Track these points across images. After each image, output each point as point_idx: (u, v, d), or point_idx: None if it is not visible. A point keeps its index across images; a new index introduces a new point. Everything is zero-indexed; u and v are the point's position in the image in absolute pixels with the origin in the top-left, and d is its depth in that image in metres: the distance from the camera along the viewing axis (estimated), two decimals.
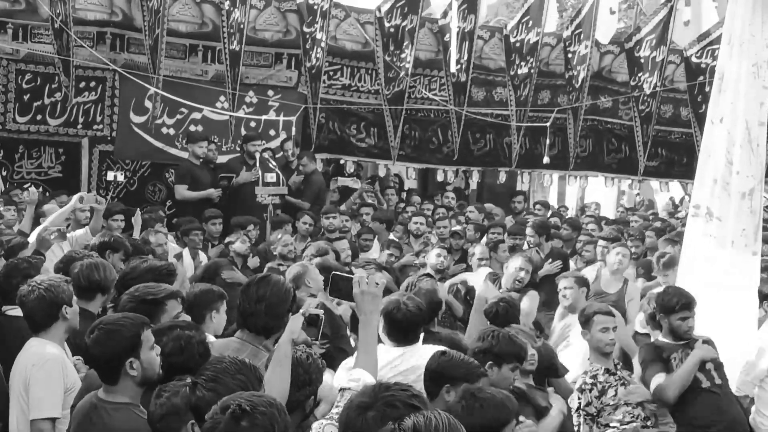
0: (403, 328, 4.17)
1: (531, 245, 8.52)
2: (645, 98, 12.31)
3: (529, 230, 8.65)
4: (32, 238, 6.48)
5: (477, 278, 7.35)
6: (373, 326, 3.38)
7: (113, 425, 3.16)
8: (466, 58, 11.11)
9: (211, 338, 4.41)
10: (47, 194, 8.78)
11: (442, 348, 3.93)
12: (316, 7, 10.16)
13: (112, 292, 4.67)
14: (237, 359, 3.02)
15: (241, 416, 2.46)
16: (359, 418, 2.56)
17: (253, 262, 7.72)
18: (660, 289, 5.81)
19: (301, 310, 3.48)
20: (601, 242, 8.38)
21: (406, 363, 4.08)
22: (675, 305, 5.18)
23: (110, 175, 9.33)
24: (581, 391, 4.89)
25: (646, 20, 12.40)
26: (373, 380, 3.09)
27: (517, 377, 4.22)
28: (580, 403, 4.85)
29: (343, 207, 10.22)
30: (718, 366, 5.13)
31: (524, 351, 4.25)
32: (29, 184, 9.29)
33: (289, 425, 2.56)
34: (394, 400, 2.55)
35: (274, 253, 7.85)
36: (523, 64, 11.60)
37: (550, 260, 8.15)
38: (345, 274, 3.58)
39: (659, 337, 5.36)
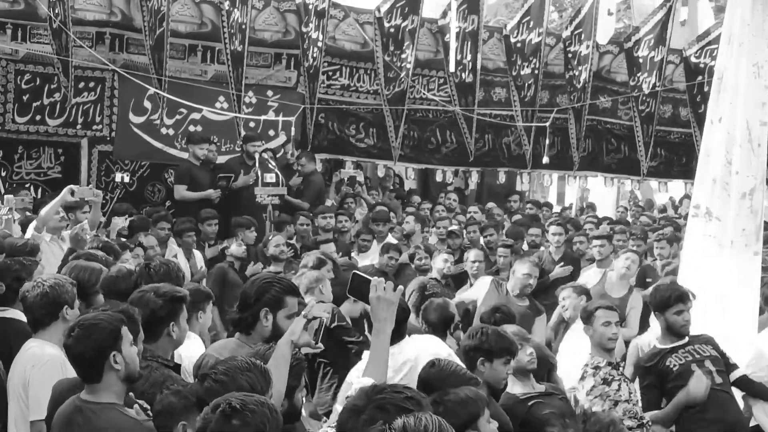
0: None
1: (555, 244, 8.63)
2: (645, 98, 12.31)
3: (556, 228, 8.71)
4: (27, 235, 6.46)
5: (480, 290, 7.26)
6: (387, 334, 3.33)
7: (100, 426, 3.10)
8: (469, 58, 11.11)
9: (196, 338, 4.42)
10: (47, 194, 8.76)
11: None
12: (311, 6, 10.16)
13: (94, 299, 4.59)
14: (249, 359, 3.02)
15: (232, 414, 2.47)
16: (350, 421, 2.57)
17: (255, 268, 7.68)
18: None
19: (303, 313, 3.46)
20: (595, 241, 8.33)
21: (396, 359, 4.13)
22: (668, 299, 5.13)
23: (118, 177, 9.32)
24: (583, 378, 4.86)
25: (645, 20, 12.41)
26: None
27: (510, 371, 4.21)
28: (584, 386, 4.84)
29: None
30: (718, 364, 5.10)
31: (514, 345, 4.26)
32: (28, 185, 9.31)
33: (281, 426, 2.56)
34: (386, 403, 2.55)
35: (267, 255, 7.81)
36: (525, 64, 11.60)
37: (562, 264, 8.13)
38: (366, 276, 3.53)
39: (655, 341, 5.31)
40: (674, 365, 5.05)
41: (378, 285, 3.35)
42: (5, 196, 6.86)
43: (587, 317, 5.09)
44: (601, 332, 4.99)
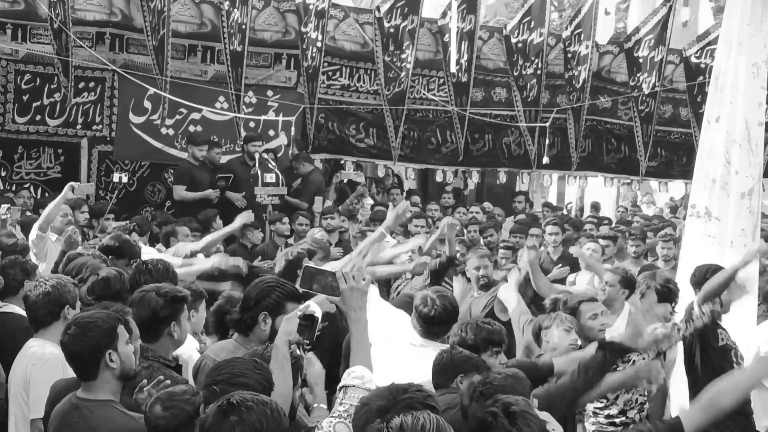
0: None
1: (552, 243, 8.63)
2: (644, 98, 12.31)
3: (552, 228, 8.71)
4: (32, 236, 6.47)
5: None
6: (364, 322, 3.31)
7: (96, 423, 3.12)
8: (466, 58, 11.11)
9: (191, 339, 4.41)
10: (46, 195, 8.77)
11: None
12: (311, 6, 10.17)
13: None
14: (248, 358, 3.02)
15: (229, 410, 2.48)
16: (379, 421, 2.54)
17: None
18: None
19: (296, 311, 3.46)
20: (602, 241, 8.34)
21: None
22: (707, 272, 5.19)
23: (115, 177, 9.33)
24: None
25: (645, 20, 12.41)
26: (373, 376, 3.07)
27: (503, 360, 4.14)
28: None
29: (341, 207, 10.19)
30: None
31: (496, 334, 4.14)
32: (28, 184, 9.31)
33: (285, 429, 2.55)
34: (414, 402, 2.55)
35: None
36: (528, 65, 11.60)
37: (560, 265, 8.11)
38: (320, 268, 3.52)
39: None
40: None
41: (347, 276, 3.32)
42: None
43: (572, 313, 4.89)
44: (589, 326, 4.82)
